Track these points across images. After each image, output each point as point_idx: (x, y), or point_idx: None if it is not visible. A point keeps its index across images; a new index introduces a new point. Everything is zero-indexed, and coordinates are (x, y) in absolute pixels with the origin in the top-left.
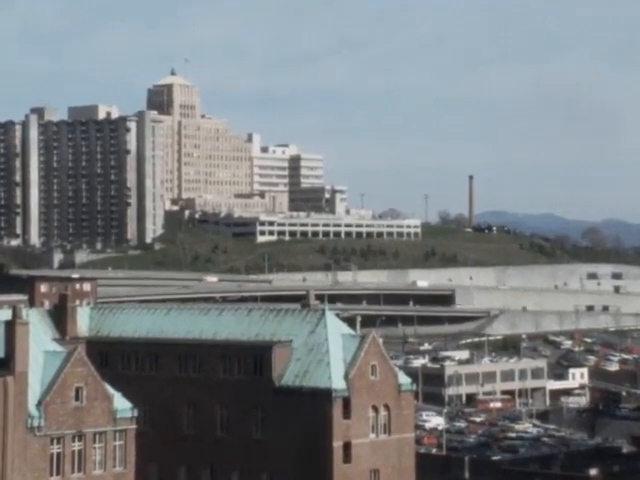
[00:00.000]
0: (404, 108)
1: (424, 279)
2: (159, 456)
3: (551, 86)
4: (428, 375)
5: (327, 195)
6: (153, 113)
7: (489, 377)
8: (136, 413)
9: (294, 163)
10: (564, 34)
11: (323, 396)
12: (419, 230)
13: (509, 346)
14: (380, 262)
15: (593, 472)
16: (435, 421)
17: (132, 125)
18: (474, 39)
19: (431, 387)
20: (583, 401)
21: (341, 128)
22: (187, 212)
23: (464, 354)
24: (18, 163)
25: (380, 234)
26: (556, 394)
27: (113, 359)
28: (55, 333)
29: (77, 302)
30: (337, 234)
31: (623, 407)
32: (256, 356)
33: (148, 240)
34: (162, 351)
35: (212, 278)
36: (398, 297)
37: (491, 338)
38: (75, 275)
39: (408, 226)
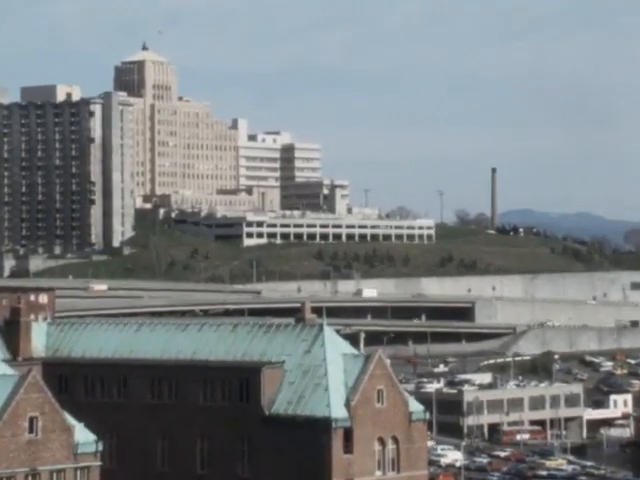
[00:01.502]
0: (415, 89)
1: (439, 288)
2: None
3: (588, 63)
4: (444, 402)
5: (325, 191)
6: (121, 95)
7: (515, 405)
8: (101, 447)
9: (287, 153)
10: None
11: (321, 426)
12: (433, 232)
13: (539, 368)
14: (387, 269)
15: None
16: (452, 456)
17: (97, 109)
18: (494, 8)
19: (447, 416)
20: (627, 433)
21: (342, 113)
22: (162, 211)
23: (486, 377)
24: None
25: (387, 236)
26: (595, 425)
27: (74, 384)
28: (6, 353)
29: (32, 317)
30: (337, 236)
31: None
32: (242, 379)
33: (116, 244)
34: (132, 374)
35: (100, 286)
36: (408, 310)
37: (518, 359)
38: (30, 285)
39: (420, 227)
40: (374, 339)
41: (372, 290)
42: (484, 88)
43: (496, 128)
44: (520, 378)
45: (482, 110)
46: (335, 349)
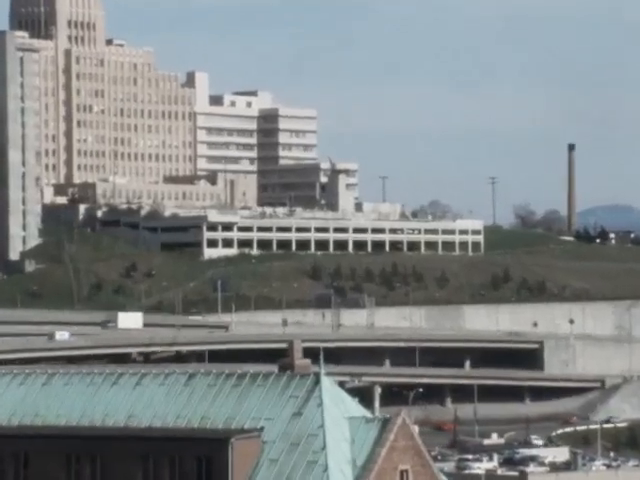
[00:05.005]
0: (452, 31)
1: (490, 321)
2: None
3: None
4: None
5: (324, 178)
6: (21, 36)
7: None
8: None
9: (267, 123)
10: None
11: None
12: (481, 238)
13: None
14: (415, 293)
15: None
16: None
17: None
18: None
19: None
20: None
21: (346, 64)
22: (83, 208)
23: (561, 453)
24: None
25: (414, 245)
26: None
27: None
28: None
29: None
30: (341, 245)
31: None
32: (201, 456)
33: (14, 256)
34: (37, 449)
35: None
36: (446, 353)
37: (608, 426)
38: None
39: (462, 231)
40: (395, 396)
41: (136, 314)
42: (556, 32)
43: (574, 89)
44: (612, 455)
45: (553, 64)
46: (338, 410)
